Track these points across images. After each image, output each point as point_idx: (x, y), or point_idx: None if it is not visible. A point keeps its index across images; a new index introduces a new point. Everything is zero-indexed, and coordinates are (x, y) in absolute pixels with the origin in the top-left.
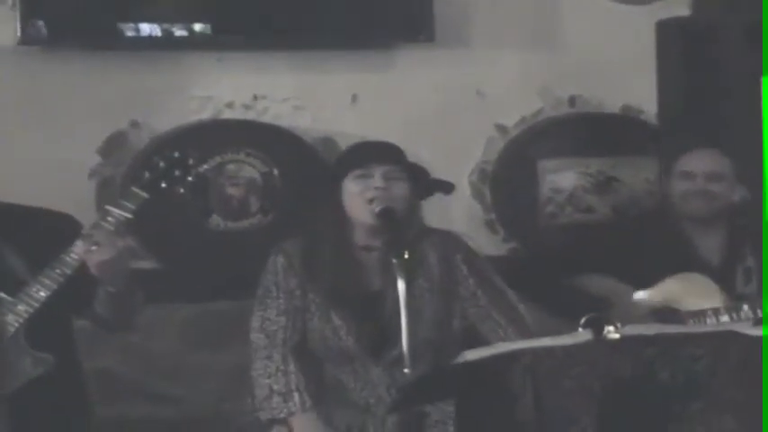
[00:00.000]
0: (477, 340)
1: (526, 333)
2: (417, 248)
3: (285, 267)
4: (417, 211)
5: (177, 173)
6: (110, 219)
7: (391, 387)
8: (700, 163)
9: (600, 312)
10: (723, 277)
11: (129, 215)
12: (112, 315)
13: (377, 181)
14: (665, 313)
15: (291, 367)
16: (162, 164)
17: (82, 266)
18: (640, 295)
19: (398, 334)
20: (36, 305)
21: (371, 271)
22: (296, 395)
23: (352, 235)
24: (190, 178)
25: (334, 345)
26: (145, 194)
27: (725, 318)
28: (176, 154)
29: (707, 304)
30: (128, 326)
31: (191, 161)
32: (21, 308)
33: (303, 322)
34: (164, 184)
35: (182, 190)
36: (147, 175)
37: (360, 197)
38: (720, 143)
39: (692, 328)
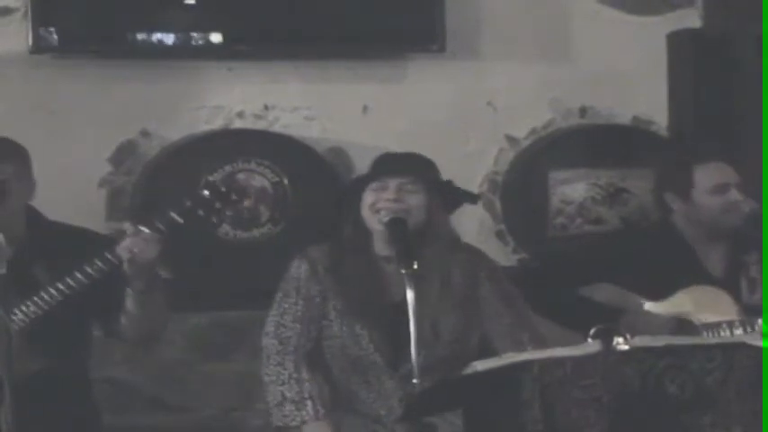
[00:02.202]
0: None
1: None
2: (440, 262)
3: (308, 274)
4: (445, 225)
5: (218, 205)
6: (144, 237)
7: (403, 399)
8: (729, 174)
9: (612, 323)
10: (727, 288)
11: (159, 236)
12: (138, 323)
13: (390, 193)
14: (678, 325)
15: (304, 375)
16: (206, 194)
17: (110, 276)
18: (654, 307)
19: (418, 347)
20: (46, 308)
21: (394, 282)
22: (309, 403)
23: (372, 245)
24: (229, 213)
25: (352, 353)
26: (180, 220)
27: (739, 331)
28: (222, 189)
29: (721, 317)
30: (152, 337)
31: (233, 196)
32: (32, 309)
33: (318, 330)
34: (201, 213)
35: (215, 220)
36: (188, 203)
37: (371, 208)
38: (732, 155)
39: (701, 340)
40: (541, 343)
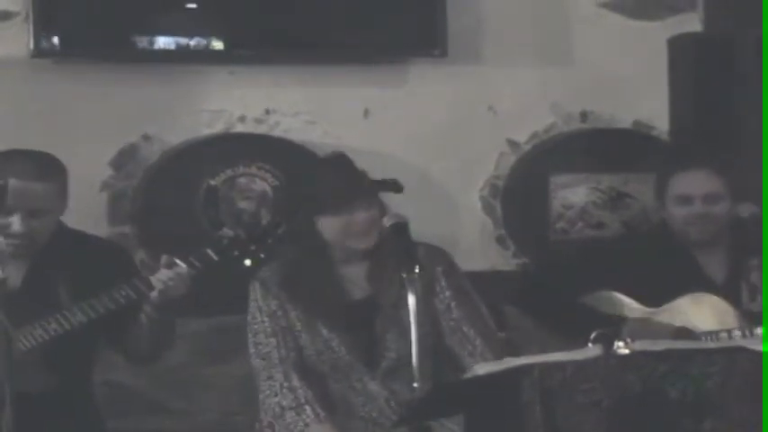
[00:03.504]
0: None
1: (497, 348)
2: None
3: (263, 293)
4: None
5: (253, 248)
6: (178, 271)
7: (390, 400)
8: (696, 185)
9: (612, 329)
10: (728, 294)
11: (194, 271)
12: (145, 344)
13: (359, 216)
14: (678, 333)
15: (296, 383)
16: (243, 236)
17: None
18: (653, 314)
19: (390, 344)
20: (68, 328)
21: (351, 282)
22: (307, 407)
23: (332, 253)
24: (262, 255)
25: (328, 358)
26: (215, 258)
27: (737, 336)
28: (260, 231)
29: (721, 325)
30: (154, 358)
31: (270, 240)
32: (53, 326)
33: (294, 340)
34: (236, 253)
35: (248, 263)
36: (225, 242)
37: (344, 232)
38: (720, 163)
39: (702, 344)
40: (491, 340)
